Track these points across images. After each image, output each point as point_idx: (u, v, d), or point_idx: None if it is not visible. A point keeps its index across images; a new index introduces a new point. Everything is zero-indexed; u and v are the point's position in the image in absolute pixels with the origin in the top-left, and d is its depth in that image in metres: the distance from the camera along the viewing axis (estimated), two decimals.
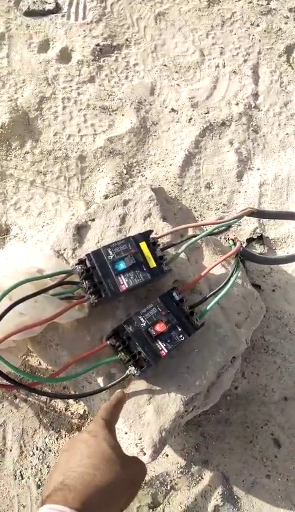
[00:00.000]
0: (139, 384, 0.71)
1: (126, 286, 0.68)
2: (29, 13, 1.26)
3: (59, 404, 0.90)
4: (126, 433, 0.69)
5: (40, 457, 0.86)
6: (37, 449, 0.87)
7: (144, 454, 0.68)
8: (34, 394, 0.89)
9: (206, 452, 0.92)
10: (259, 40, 1.35)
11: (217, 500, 0.88)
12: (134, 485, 0.49)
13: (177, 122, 1.20)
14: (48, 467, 0.85)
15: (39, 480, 0.85)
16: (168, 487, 0.87)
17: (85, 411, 0.90)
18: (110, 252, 0.70)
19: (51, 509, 0.39)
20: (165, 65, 1.26)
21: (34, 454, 0.86)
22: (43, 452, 0.87)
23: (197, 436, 0.92)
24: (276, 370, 0.99)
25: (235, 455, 0.92)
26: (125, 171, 1.11)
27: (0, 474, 0.84)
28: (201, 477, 0.89)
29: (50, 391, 0.87)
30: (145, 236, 0.74)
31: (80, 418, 0.89)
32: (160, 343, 0.67)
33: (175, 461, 0.90)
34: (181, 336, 0.68)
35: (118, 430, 0.70)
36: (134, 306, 0.76)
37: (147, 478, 0.87)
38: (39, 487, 0.84)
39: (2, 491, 0.83)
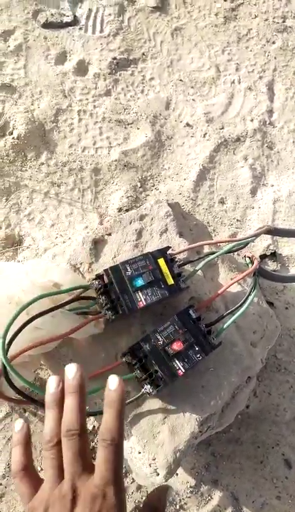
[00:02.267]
0: (154, 403, 0.70)
1: (144, 303, 0.68)
2: (47, 25, 1.27)
3: None
4: (139, 453, 0.68)
5: None
6: None
7: (158, 474, 0.67)
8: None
9: (216, 471, 0.90)
10: (275, 58, 1.35)
11: None
12: None
13: (192, 136, 1.20)
14: None
15: None
16: (177, 507, 0.86)
17: (94, 427, 0.88)
18: (129, 268, 0.70)
19: None
20: (181, 80, 1.27)
21: (42, 469, 0.85)
22: None
23: (207, 455, 0.91)
24: (289, 390, 0.98)
25: (245, 475, 0.91)
26: (139, 184, 1.11)
27: (8, 490, 0.83)
28: (211, 497, 0.88)
29: None
30: (163, 252, 0.73)
31: (90, 434, 0.88)
32: (177, 361, 0.66)
33: (185, 480, 0.88)
34: (198, 355, 0.67)
35: (132, 449, 0.69)
36: (149, 323, 0.75)
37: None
38: None
39: (9, 507, 0.82)
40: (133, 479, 0.86)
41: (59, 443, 0.41)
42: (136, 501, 0.85)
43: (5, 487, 0.83)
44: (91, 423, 0.88)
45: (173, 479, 0.88)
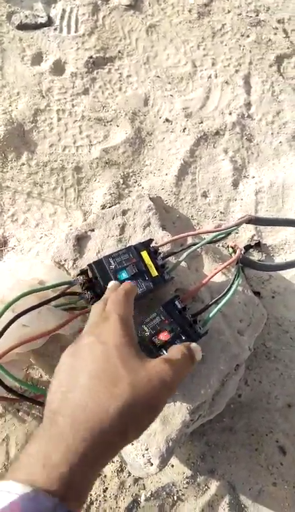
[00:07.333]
0: None
1: None
2: (22, 27, 1.27)
3: None
4: (132, 444, 0.68)
5: None
6: None
7: (151, 464, 0.67)
8: (37, 407, 0.88)
9: (211, 461, 0.91)
10: (250, 51, 1.37)
11: (224, 510, 0.87)
12: (152, 409, 0.35)
13: (171, 132, 1.21)
14: None
15: None
16: (175, 498, 0.86)
17: None
18: (112, 262, 0.70)
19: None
20: (158, 76, 1.28)
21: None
22: None
23: (202, 445, 0.92)
24: (279, 377, 0.99)
25: (241, 464, 0.92)
26: (121, 181, 1.11)
27: None
28: (208, 487, 0.89)
29: None
30: (146, 245, 0.74)
31: None
32: (164, 352, 0.67)
33: (181, 471, 0.89)
34: None
35: None
36: (136, 316, 0.75)
37: (153, 489, 0.86)
38: None
39: None
40: (129, 472, 0.86)
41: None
42: (134, 494, 0.85)
43: None
44: None
45: (169, 470, 0.89)
